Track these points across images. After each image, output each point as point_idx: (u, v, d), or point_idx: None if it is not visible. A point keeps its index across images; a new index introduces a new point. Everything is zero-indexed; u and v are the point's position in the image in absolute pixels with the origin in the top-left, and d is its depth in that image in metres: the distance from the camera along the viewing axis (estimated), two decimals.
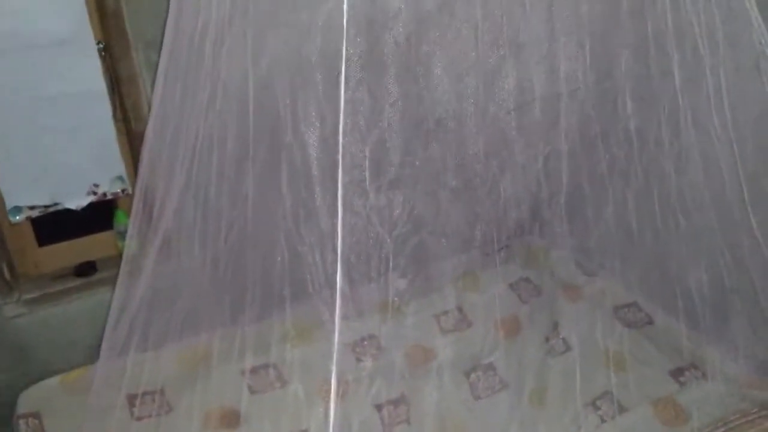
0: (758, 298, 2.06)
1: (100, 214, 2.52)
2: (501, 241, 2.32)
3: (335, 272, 1.30)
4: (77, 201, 2.40)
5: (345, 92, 1.32)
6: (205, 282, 2.02)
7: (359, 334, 2.42)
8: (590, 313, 2.54)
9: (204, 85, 1.72)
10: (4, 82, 2.17)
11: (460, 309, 2.66)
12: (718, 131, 1.87)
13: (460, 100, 2.01)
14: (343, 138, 1.34)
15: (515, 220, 2.29)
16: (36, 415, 2.18)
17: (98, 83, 2.30)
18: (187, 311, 2.08)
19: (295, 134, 1.70)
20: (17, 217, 2.34)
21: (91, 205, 2.43)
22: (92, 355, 2.08)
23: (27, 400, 2.23)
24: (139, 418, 2.15)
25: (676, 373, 2.33)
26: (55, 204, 2.38)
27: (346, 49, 1.33)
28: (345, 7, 1.31)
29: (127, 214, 2.09)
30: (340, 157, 1.33)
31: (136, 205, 1.88)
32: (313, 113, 1.65)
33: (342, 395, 2.14)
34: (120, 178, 2.45)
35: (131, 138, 2.41)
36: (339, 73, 1.32)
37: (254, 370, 2.30)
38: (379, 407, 2.22)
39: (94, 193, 2.42)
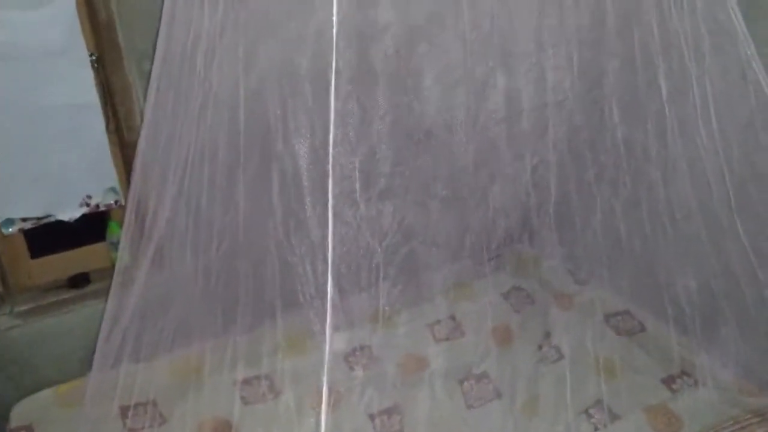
0: (747, 304, 2.07)
1: (94, 226, 2.51)
2: (492, 251, 2.33)
3: (326, 282, 1.31)
4: (70, 212, 2.40)
5: (335, 103, 1.34)
6: (197, 292, 2.02)
7: (352, 344, 2.41)
8: (582, 321, 2.55)
9: (196, 96, 1.73)
10: None
11: (453, 318, 2.66)
12: (705, 140, 1.89)
13: (449, 111, 2.03)
14: (334, 149, 1.35)
15: (505, 230, 2.30)
16: (29, 428, 2.17)
17: (91, 94, 2.30)
18: (179, 322, 2.08)
19: (286, 145, 1.71)
20: (10, 229, 2.34)
21: (84, 216, 2.42)
22: (86, 366, 2.07)
23: (20, 413, 2.23)
24: (131, 430, 2.14)
25: (669, 381, 2.33)
26: (48, 216, 2.37)
27: (336, 61, 1.34)
28: (335, 19, 1.33)
29: (120, 225, 2.08)
30: (330, 167, 1.34)
31: (129, 216, 1.89)
32: (304, 124, 1.66)
33: (335, 405, 2.15)
34: (113, 189, 2.45)
35: (124, 149, 2.42)
36: (329, 84, 1.33)
37: (246, 381, 2.29)
38: (372, 417, 2.21)
39: (87, 205, 2.42)
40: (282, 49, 1.72)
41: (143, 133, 1.82)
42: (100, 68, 2.31)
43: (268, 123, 1.72)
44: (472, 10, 1.88)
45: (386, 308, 2.11)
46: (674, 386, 2.30)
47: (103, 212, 2.48)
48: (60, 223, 2.40)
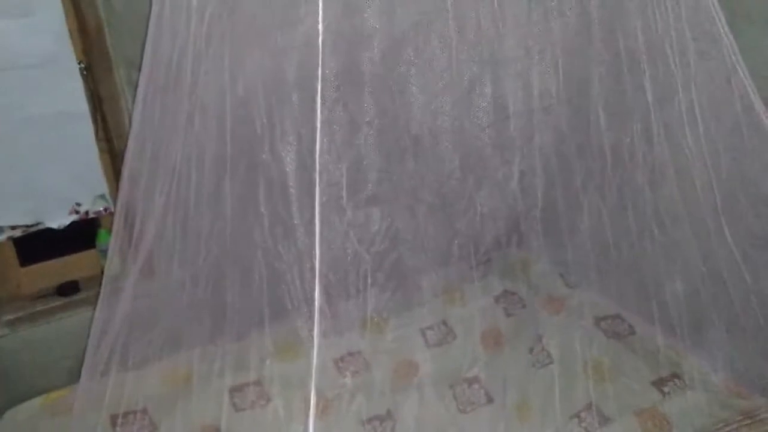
0: (735, 307, 2.08)
1: (83, 233, 2.52)
2: (480, 256, 2.33)
3: (313, 289, 1.31)
4: (59, 220, 2.40)
5: (321, 111, 1.35)
6: (186, 300, 2.02)
7: (343, 350, 2.42)
8: (572, 324, 2.55)
9: (183, 105, 1.73)
10: None
11: (445, 323, 2.66)
12: (691, 145, 1.90)
13: (436, 117, 2.03)
14: (320, 156, 1.35)
15: (493, 235, 2.30)
16: None
17: (80, 103, 2.30)
18: (168, 330, 2.08)
19: (273, 153, 1.71)
20: None
21: (73, 224, 2.42)
22: (75, 375, 2.06)
23: (9, 422, 2.22)
24: None
25: (659, 383, 2.33)
26: (37, 223, 2.37)
27: (322, 69, 1.35)
28: (320, 27, 1.34)
29: (110, 232, 2.08)
30: (317, 174, 1.34)
31: (117, 224, 1.89)
32: (290, 132, 1.67)
33: (326, 412, 2.15)
34: (102, 196, 2.45)
35: (113, 157, 2.42)
36: (315, 92, 1.33)
37: (237, 388, 2.29)
38: (364, 423, 2.21)
39: (77, 212, 2.42)
40: (268, 58, 1.73)
41: (131, 141, 1.82)
42: (89, 77, 2.31)
43: (254, 131, 1.72)
44: (458, 17, 1.89)
45: (375, 315, 2.11)
46: (665, 389, 2.30)
47: (92, 220, 2.48)
48: (49, 231, 2.39)
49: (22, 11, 2.11)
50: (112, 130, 2.39)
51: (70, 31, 2.22)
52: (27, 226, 2.36)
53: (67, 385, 2.27)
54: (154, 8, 1.68)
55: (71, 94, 2.28)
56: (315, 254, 1.30)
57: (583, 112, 2.08)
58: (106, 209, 2.45)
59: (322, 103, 1.35)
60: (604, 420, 2.18)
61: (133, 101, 1.84)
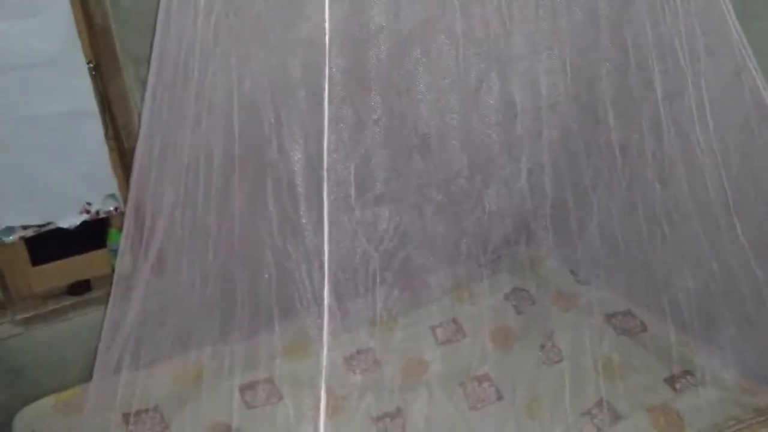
0: (746, 304, 2.06)
1: (94, 233, 2.52)
2: (489, 254, 2.33)
3: (323, 288, 1.31)
4: (70, 220, 2.40)
5: (329, 109, 1.34)
6: (196, 299, 2.03)
7: (353, 348, 2.42)
8: (584, 321, 2.54)
9: (191, 104, 1.73)
10: None
11: (455, 320, 2.66)
12: (701, 141, 1.88)
13: (443, 115, 2.03)
14: (328, 155, 1.35)
15: (502, 233, 2.30)
16: None
17: (89, 102, 2.30)
18: (180, 328, 2.09)
19: (281, 152, 1.71)
20: (10, 237, 2.34)
21: (84, 223, 2.43)
22: (87, 374, 2.07)
23: (22, 421, 2.24)
24: None
25: (671, 380, 2.32)
26: (48, 223, 2.38)
27: (329, 67, 1.35)
28: (327, 25, 1.33)
29: (121, 232, 2.08)
30: (325, 173, 1.34)
31: (128, 223, 1.89)
32: (298, 130, 1.66)
33: (337, 410, 2.16)
34: (113, 196, 2.45)
35: (123, 156, 2.43)
36: (323, 90, 1.33)
37: (249, 386, 2.30)
38: (375, 420, 2.22)
39: (87, 212, 2.42)
40: (275, 56, 1.72)
41: (140, 141, 1.82)
42: (98, 76, 2.32)
43: (262, 130, 1.72)
44: (464, 14, 1.88)
45: (384, 313, 2.11)
46: (677, 386, 2.30)
47: (103, 219, 2.49)
48: (60, 231, 2.40)
49: (29, 11, 2.11)
50: (121, 129, 2.39)
51: (78, 30, 2.21)
52: (38, 226, 2.37)
53: (79, 383, 2.29)
54: (162, 7, 1.68)
55: (80, 93, 2.28)
56: (324, 253, 1.30)
57: (592, 109, 2.07)
58: (116, 208, 2.46)
59: (330, 102, 1.34)
60: (616, 417, 2.18)
61: (142, 100, 1.84)
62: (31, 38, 2.15)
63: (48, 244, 2.46)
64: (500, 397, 2.33)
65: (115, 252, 2.41)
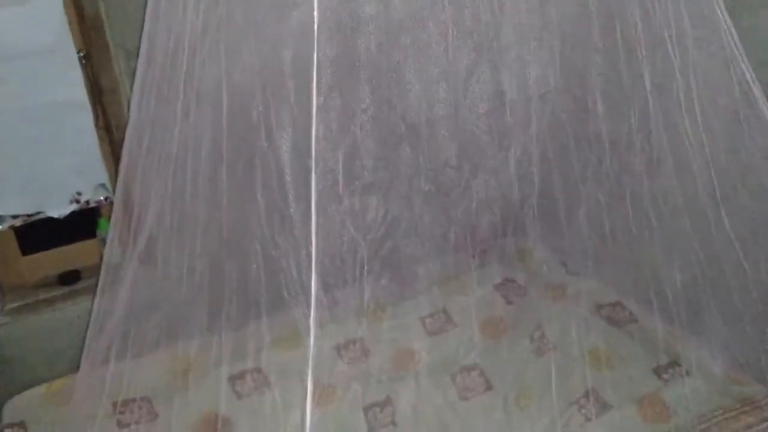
0: (733, 295, 2.07)
1: (84, 222, 2.52)
2: (477, 244, 2.33)
3: (310, 278, 1.32)
4: (60, 209, 2.40)
5: (317, 98, 1.34)
6: (185, 289, 2.03)
7: (341, 338, 2.43)
8: (573, 312, 2.55)
9: (179, 94, 1.73)
10: None
11: (445, 311, 2.66)
12: (690, 133, 1.88)
13: (432, 105, 2.03)
14: (316, 143, 1.35)
15: (490, 223, 2.30)
16: (21, 425, 2.18)
17: (80, 92, 2.31)
18: (168, 319, 2.09)
19: (269, 141, 1.71)
20: (0, 226, 2.34)
21: (74, 213, 2.43)
22: (77, 363, 2.08)
23: (12, 410, 2.25)
24: (123, 426, 2.15)
25: (660, 371, 2.33)
26: (38, 213, 2.38)
27: (318, 56, 1.35)
28: (316, 14, 1.33)
29: (110, 221, 2.09)
30: (313, 162, 1.34)
31: (116, 213, 1.90)
32: (286, 119, 1.66)
33: (326, 399, 2.16)
34: (103, 185, 2.45)
35: (113, 146, 2.43)
36: (311, 79, 1.33)
37: (238, 376, 2.31)
38: (365, 410, 2.22)
39: (77, 201, 2.43)
40: (264, 46, 1.72)
41: (128, 131, 1.83)
42: (89, 66, 2.31)
43: (251, 119, 1.72)
44: (454, 4, 1.88)
45: (372, 302, 2.11)
46: (664, 376, 2.31)
47: (93, 209, 2.49)
48: (50, 220, 2.40)
49: (20, 0, 2.10)
50: (111, 119, 2.39)
51: (69, 20, 2.22)
52: (28, 216, 2.37)
53: (69, 373, 2.28)
54: None
55: (71, 83, 2.28)
56: (311, 242, 1.31)
57: (581, 100, 2.07)
58: (106, 198, 2.46)
59: (318, 91, 1.35)
60: (604, 407, 2.18)
61: (132, 90, 1.84)
62: (22, 28, 2.15)
63: (38, 234, 2.46)
64: (489, 387, 2.33)
65: (104, 242, 2.41)
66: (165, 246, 1.94)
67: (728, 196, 1.94)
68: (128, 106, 2.27)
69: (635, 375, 2.33)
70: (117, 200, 1.88)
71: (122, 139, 1.89)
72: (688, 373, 2.28)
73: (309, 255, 1.32)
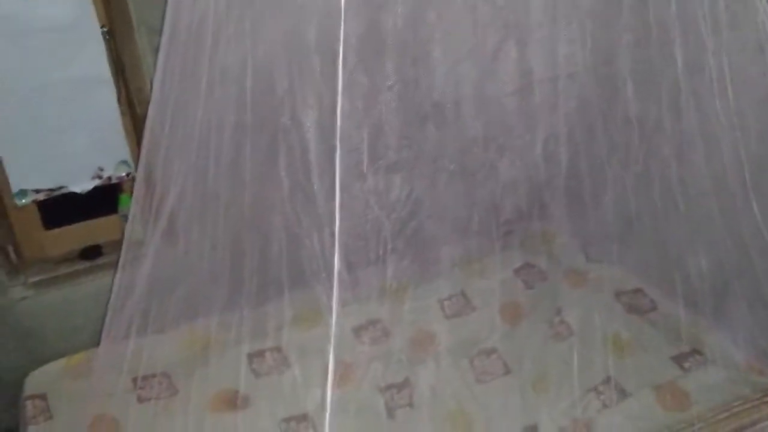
0: (759, 283, 2.04)
1: (106, 198, 2.53)
2: (501, 226, 2.31)
3: (333, 256, 1.31)
4: (82, 185, 2.42)
5: (343, 75, 1.32)
6: (206, 266, 2.03)
7: (362, 318, 2.43)
8: (594, 298, 2.53)
9: (203, 70, 1.72)
10: (7, 67, 2.18)
11: (464, 294, 2.66)
12: (721, 116, 1.84)
13: (458, 83, 2.00)
14: (341, 121, 1.33)
15: (515, 205, 2.28)
16: (42, 397, 2.22)
17: (102, 68, 2.30)
18: (189, 295, 2.09)
19: (293, 118, 1.70)
20: (23, 200, 2.36)
21: (96, 188, 2.45)
22: (97, 338, 2.09)
23: (33, 382, 2.28)
24: (143, 400, 2.18)
25: (679, 359, 2.31)
26: (61, 187, 2.40)
27: (344, 32, 1.33)
28: None
29: (132, 197, 2.09)
30: (338, 140, 1.33)
31: (138, 189, 1.89)
32: (311, 97, 1.65)
33: (345, 379, 2.16)
34: (125, 162, 2.46)
35: (136, 122, 2.42)
36: (336, 56, 1.31)
37: (258, 353, 2.32)
38: (382, 390, 2.23)
39: (99, 177, 2.44)
40: (289, 22, 1.70)
41: (151, 107, 1.81)
42: (112, 42, 2.30)
43: (275, 96, 1.71)
44: None
45: (394, 282, 2.10)
46: (685, 365, 2.29)
47: (115, 184, 2.50)
48: (73, 195, 2.42)
49: None
50: (134, 95, 2.38)
51: None
52: (50, 190, 2.39)
53: (90, 347, 2.30)
54: None
55: (94, 58, 2.28)
56: (335, 220, 1.29)
57: (610, 81, 2.03)
58: (128, 174, 2.46)
59: (344, 68, 1.33)
60: (623, 394, 2.18)
61: (155, 66, 1.83)
62: (45, 3, 2.16)
63: (60, 209, 2.48)
64: (507, 371, 2.33)
65: (125, 217, 2.41)
66: (187, 223, 1.94)
67: (758, 182, 1.90)
68: (151, 83, 2.27)
69: (655, 363, 2.32)
70: (139, 176, 1.88)
71: (144, 116, 1.88)
72: (709, 361, 2.26)
73: (332, 234, 1.30)
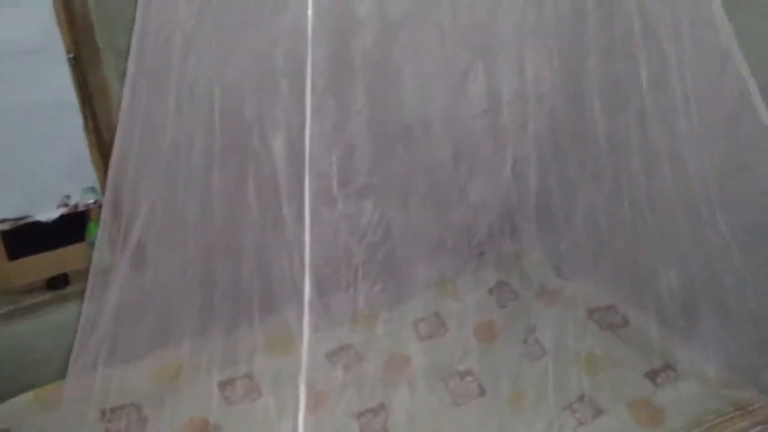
0: (728, 297, 2.07)
1: (73, 226, 2.49)
2: (473, 247, 2.32)
3: (304, 282, 1.29)
4: (48, 213, 2.38)
5: (311, 99, 1.32)
6: (176, 293, 2.00)
7: (335, 343, 2.41)
8: (566, 316, 2.54)
9: (171, 94, 1.71)
10: None
11: (437, 315, 2.65)
12: (686, 132, 1.88)
13: (427, 105, 2.01)
14: (310, 145, 1.33)
15: (486, 225, 2.29)
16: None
17: (68, 93, 2.28)
18: (159, 323, 2.06)
19: (262, 142, 1.69)
20: None
21: (63, 216, 2.40)
22: (65, 369, 2.04)
23: None
24: None
25: (652, 375, 2.33)
26: (26, 216, 2.35)
27: (313, 55, 1.33)
28: (310, 12, 1.32)
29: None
30: (306, 164, 1.32)
31: (105, 215, 1.86)
32: (280, 120, 1.65)
33: (318, 405, 2.14)
34: (92, 189, 2.42)
35: (103, 148, 2.39)
36: (305, 79, 1.31)
37: (229, 382, 2.28)
38: (357, 416, 2.20)
39: (66, 205, 2.40)
40: (258, 45, 1.70)
41: (119, 131, 1.79)
42: (78, 67, 2.28)
43: (244, 119, 1.70)
44: (450, 3, 1.86)
45: (366, 308, 2.09)
46: (657, 380, 2.30)
47: (82, 212, 2.46)
48: (38, 224, 2.37)
49: (9, 0, 2.08)
50: (101, 121, 2.36)
51: (58, 20, 2.19)
52: (15, 219, 2.34)
53: (58, 379, 2.24)
54: None
55: (59, 84, 2.26)
56: (305, 246, 1.28)
57: (578, 99, 2.06)
58: (95, 202, 2.43)
59: (312, 91, 1.32)
60: (597, 411, 2.18)
61: (122, 91, 1.81)
62: (11, 28, 2.13)
63: (25, 238, 2.42)
64: (483, 392, 2.32)
65: (93, 246, 2.37)
66: (155, 249, 1.91)
67: (724, 196, 1.93)
68: (118, 108, 2.25)
69: (628, 379, 2.33)
70: (106, 202, 1.85)
71: (112, 142, 1.86)
72: (681, 376, 2.27)
73: (303, 259, 1.29)
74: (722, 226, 1.94)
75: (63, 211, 2.40)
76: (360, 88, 1.78)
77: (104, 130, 2.36)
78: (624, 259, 2.33)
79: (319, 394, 2.19)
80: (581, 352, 2.37)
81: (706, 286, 2.10)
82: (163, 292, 2.01)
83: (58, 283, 2.50)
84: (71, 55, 2.25)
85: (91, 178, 2.41)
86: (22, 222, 2.35)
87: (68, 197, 2.40)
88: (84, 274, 2.40)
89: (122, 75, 2.07)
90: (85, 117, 2.33)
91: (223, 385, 2.27)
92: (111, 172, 1.83)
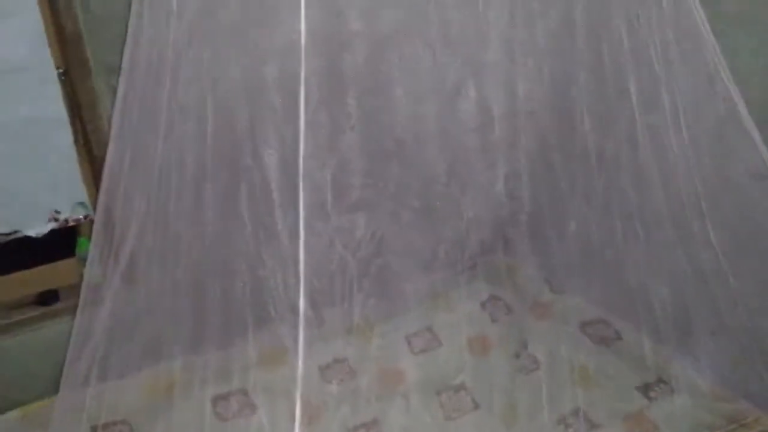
0: (720, 311, 2.08)
1: (63, 241, 2.47)
2: (466, 261, 2.32)
3: (298, 296, 1.29)
4: (37, 228, 2.35)
5: (304, 114, 1.33)
6: (168, 309, 1.99)
7: (329, 358, 2.40)
8: (559, 330, 2.55)
9: (162, 109, 1.71)
10: None
11: (430, 329, 2.65)
12: (675, 147, 1.89)
13: (420, 121, 2.02)
14: (304, 160, 1.33)
15: (479, 240, 2.30)
16: None
17: (58, 109, 2.27)
18: (150, 339, 2.05)
19: (255, 157, 1.69)
20: None
21: (53, 232, 2.38)
22: (56, 386, 2.02)
23: None
24: None
25: (645, 388, 2.33)
26: (15, 231, 2.33)
27: (305, 72, 1.33)
28: (303, 28, 1.32)
29: (90, 240, 2.05)
30: (300, 179, 1.33)
31: (97, 231, 1.86)
32: (273, 136, 1.65)
33: (312, 420, 2.12)
34: (82, 204, 2.41)
35: (93, 163, 2.39)
36: (298, 95, 1.32)
37: (221, 397, 2.27)
38: (351, 431, 2.19)
39: (56, 220, 2.38)
40: (249, 60, 1.71)
41: (110, 147, 1.79)
42: (68, 82, 2.28)
43: (236, 135, 1.71)
44: (441, 20, 1.88)
45: (360, 321, 2.09)
46: (651, 394, 2.30)
47: (72, 227, 2.44)
48: (28, 239, 2.35)
49: None
50: (91, 136, 2.35)
51: (47, 36, 2.18)
52: (4, 234, 2.32)
53: (47, 396, 2.22)
54: (133, 11, 1.66)
55: (49, 100, 2.25)
56: (299, 260, 1.29)
57: (568, 116, 2.08)
58: (86, 217, 2.41)
59: (305, 107, 1.33)
60: (591, 425, 2.18)
61: (113, 107, 1.82)
62: (0, 44, 2.11)
63: (15, 253, 2.40)
64: (476, 407, 2.31)
65: (84, 261, 2.36)
66: (147, 264, 1.90)
67: (714, 210, 1.95)
68: (108, 123, 2.25)
69: (622, 393, 2.32)
70: (98, 218, 1.84)
71: (102, 157, 1.87)
72: (674, 390, 2.28)
73: (297, 274, 1.30)
74: (713, 239, 1.95)
75: (53, 226, 2.38)
76: (352, 103, 1.79)
77: (94, 145, 2.35)
78: (616, 272, 2.34)
79: (314, 408, 2.18)
80: (574, 365, 2.37)
81: (698, 300, 2.11)
82: (156, 307, 2.00)
83: (47, 298, 2.48)
84: (61, 71, 2.25)
85: (81, 193, 2.40)
86: (11, 237, 2.33)
87: (58, 212, 2.38)
88: (74, 289, 2.41)
89: (112, 90, 2.09)
90: (75, 132, 2.33)
91: (217, 400, 2.26)
92: (102, 188, 1.83)
